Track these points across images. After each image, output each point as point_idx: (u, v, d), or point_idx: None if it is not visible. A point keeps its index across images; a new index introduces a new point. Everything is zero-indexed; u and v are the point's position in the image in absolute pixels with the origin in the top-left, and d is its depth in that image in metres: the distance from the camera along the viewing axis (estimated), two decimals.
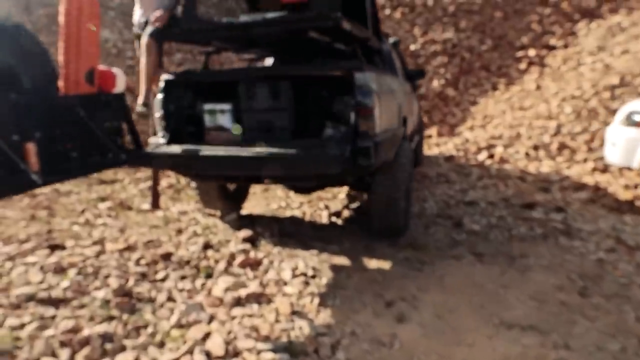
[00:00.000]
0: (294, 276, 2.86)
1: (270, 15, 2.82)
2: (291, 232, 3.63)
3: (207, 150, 2.79)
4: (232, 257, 3.12)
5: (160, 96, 3.15)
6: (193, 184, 3.81)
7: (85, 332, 2.11)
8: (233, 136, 3.06)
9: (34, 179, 2.19)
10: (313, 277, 2.88)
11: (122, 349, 2.07)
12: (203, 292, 2.65)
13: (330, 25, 2.57)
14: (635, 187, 5.47)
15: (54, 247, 3.07)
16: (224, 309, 2.44)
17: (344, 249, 3.35)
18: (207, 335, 2.18)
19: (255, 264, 3.03)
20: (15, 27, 2.38)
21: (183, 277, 2.82)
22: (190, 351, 2.05)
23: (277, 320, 2.35)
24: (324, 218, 4.07)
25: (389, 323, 2.40)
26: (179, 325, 2.27)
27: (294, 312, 2.42)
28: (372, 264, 3.13)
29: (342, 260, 3.15)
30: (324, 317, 2.43)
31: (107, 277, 2.68)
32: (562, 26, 8.95)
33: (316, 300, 2.56)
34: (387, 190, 3.19)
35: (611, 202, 5.18)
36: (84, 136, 2.48)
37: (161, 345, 2.13)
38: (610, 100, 6.79)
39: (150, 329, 2.22)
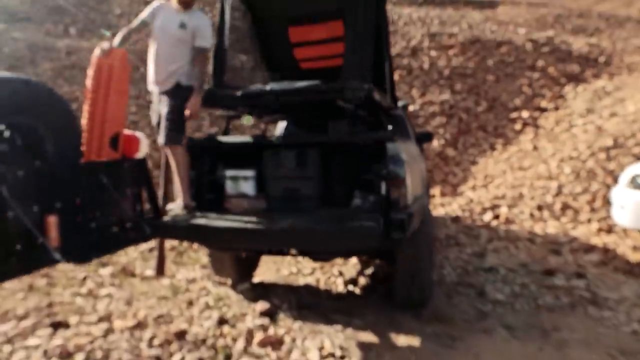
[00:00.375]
0: (322, 357, 2.66)
1: (302, 84, 2.84)
2: (309, 304, 3.45)
3: (234, 223, 2.66)
4: (251, 334, 2.92)
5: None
6: (206, 251, 3.66)
7: None
8: (256, 204, 2.97)
9: (55, 257, 2.03)
10: (342, 357, 2.69)
11: None
12: None
13: (362, 96, 2.58)
14: None
15: (57, 325, 2.84)
16: None
17: (368, 322, 3.17)
18: None
19: (276, 343, 2.83)
20: (39, 85, 2.29)
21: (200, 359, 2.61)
22: None
23: None
24: (340, 286, 3.91)
25: None
26: None
27: None
28: (401, 340, 2.96)
29: (369, 337, 2.97)
30: None
31: None
32: (551, 89, 9.38)
33: None
34: (412, 261, 3.08)
35: (623, 264, 5.15)
36: (106, 206, 2.36)
37: None
38: (606, 161, 6.97)
39: None
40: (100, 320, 2.95)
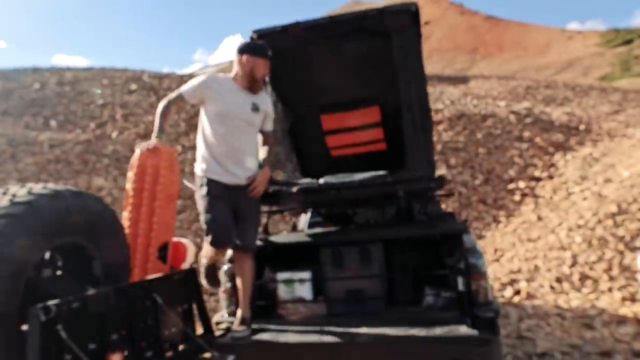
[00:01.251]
0: None
1: (365, 176, 2.80)
2: None
3: (307, 336, 2.41)
4: None
5: (227, 266, 2.87)
6: None
7: None
8: (315, 309, 2.77)
9: None
10: None
11: None
12: None
13: (434, 186, 2.57)
14: None
15: None
16: None
17: None
18: None
19: None
20: (90, 197, 2.10)
21: None
22: None
23: None
24: None
25: None
26: None
27: None
28: None
29: None
30: None
31: None
32: (541, 159, 9.79)
33: None
34: None
35: None
36: (160, 328, 2.11)
37: None
38: (614, 228, 7.10)
39: None
40: None
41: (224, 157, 2.61)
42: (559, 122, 11.23)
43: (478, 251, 2.58)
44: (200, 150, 2.67)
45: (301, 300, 2.83)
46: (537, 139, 10.31)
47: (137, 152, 2.42)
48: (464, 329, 2.30)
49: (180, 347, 2.27)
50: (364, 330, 2.39)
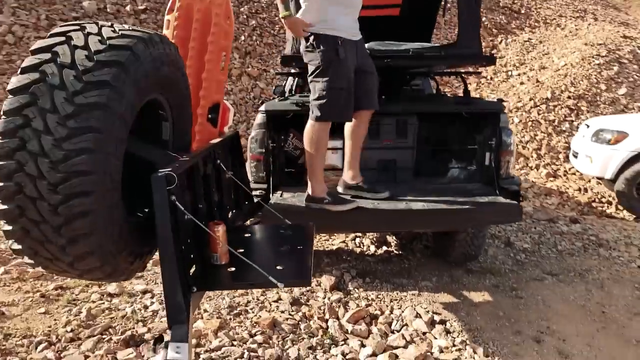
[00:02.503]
0: (430, 323, 2.80)
1: (412, 45, 2.72)
2: (368, 271, 3.52)
3: (351, 204, 2.54)
4: (334, 311, 2.91)
5: (260, 132, 2.78)
6: None
7: None
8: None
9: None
10: (443, 322, 2.85)
11: None
12: None
13: (485, 64, 2.63)
14: (586, 190, 6.55)
15: None
16: None
17: (435, 283, 3.37)
18: None
19: (369, 317, 2.88)
20: (171, 44, 1.76)
21: (311, 348, 2.55)
22: None
23: None
24: (370, 248, 4.02)
25: None
26: None
27: None
28: (475, 296, 3.22)
29: (447, 298, 3.17)
30: None
31: None
32: (485, 39, 10.16)
33: (480, 351, 2.57)
34: None
35: (575, 205, 6.13)
36: (222, 194, 2.06)
37: None
38: (547, 112, 7.96)
39: None
40: None
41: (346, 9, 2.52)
42: (503, 3, 11.49)
43: (510, 130, 2.83)
44: None
45: (333, 169, 2.90)
46: (483, 19, 10.55)
47: None
48: (501, 199, 2.62)
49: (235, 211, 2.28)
50: (406, 198, 2.60)
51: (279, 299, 3.03)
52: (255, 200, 2.49)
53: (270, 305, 2.92)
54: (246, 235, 1.90)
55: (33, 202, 1.18)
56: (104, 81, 1.23)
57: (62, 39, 1.30)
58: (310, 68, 2.48)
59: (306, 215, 2.48)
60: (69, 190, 1.17)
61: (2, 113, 1.19)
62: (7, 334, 2.49)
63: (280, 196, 2.58)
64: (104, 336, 2.52)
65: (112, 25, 1.45)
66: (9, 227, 1.22)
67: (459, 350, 2.57)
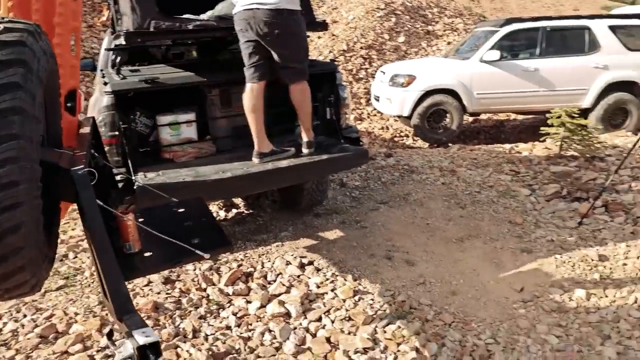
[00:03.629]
0: (301, 268, 3.05)
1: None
2: (228, 235, 3.55)
3: (227, 172, 2.54)
4: (207, 279, 2.94)
5: (109, 115, 2.54)
6: None
7: None
8: (205, 149, 2.81)
9: None
10: (311, 263, 3.14)
11: None
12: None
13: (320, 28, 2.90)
14: (387, 128, 7.69)
15: None
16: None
17: (292, 231, 3.64)
18: None
19: (245, 275, 2.99)
20: None
21: (202, 318, 2.56)
22: None
23: (356, 304, 2.65)
24: (221, 213, 4.07)
25: (410, 269, 3.09)
26: None
27: (355, 291, 2.75)
28: (329, 235, 3.60)
29: (306, 242, 3.47)
30: (374, 286, 2.87)
31: None
32: None
33: (350, 277, 2.93)
34: None
35: (382, 142, 7.17)
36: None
37: None
38: (345, 63, 8.86)
39: None
40: None
41: None
42: None
43: (344, 85, 3.17)
44: None
45: (189, 142, 2.83)
46: None
47: None
48: (352, 147, 2.98)
49: None
50: (267, 160, 2.74)
51: (150, 282, 2.90)
52: (120, 184, 2.31)
53: (143, 290, 2.77)
54: (141, 220, 1.80)
55: None
56: (14, 83, 1.13)
57: None
58: None
59: (181, 191, 2.41)
60: None
61: None
62: None
63: (145, 177, 2.43)
64: None
65: None
66: None
67: (332, 282, 2.90)
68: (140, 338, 1.09)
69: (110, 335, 1.42)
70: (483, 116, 7.94)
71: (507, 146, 5.99)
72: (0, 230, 1.09)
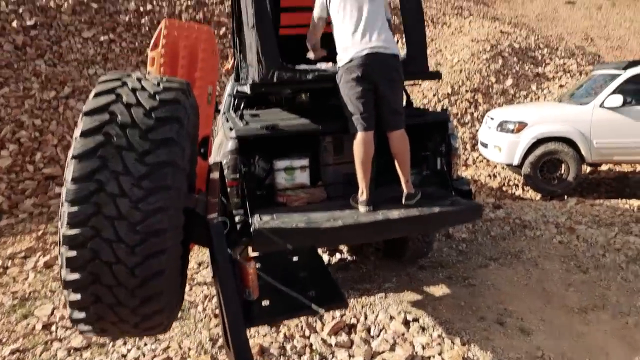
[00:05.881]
0: (405, 323, 2.99)
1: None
2: None
3: (338, 220, 2.60)
4: (311, 326, 2.98)
5: (232, 158, 2.74)
6: None
7: None
8: (317, 195, 2.95)
9: None
10: (416, 320, 3.06)
11: None
12: None
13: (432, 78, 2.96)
14: (495, 176, 7.37)
15: None
16: None
17: (396, 284, 3.60)
18: None
19: (348, 327, 3.00)
20: None
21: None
22: None
23: None
24: (324, 257, 4.15)
25: (526, 338, 2.88)
26: None
27: (464, 358, 2.63)
28: (435, 290, 3.50)
29: (411, 296, 3.40)
30: (485, 354, 2.72)
31: None
32: None
33: (458, 341, 2.81)
34: None
35: (489, 190, 6.87)
36: None
37: None
38: (449, 106, 8.76)
39: None
40: None
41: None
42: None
43: (456, 135, 3.15)
44: None
45: (302, 187, 2.98)
46: None
47: (163, 25, 2.02)
48: (464, 201, 2.92)
49: None
50: (383, 209, 2.76)
51: None
52: (238, 226, 2.48)
53: (250, 330, 2.90)
54: (258, 266, 1.93)
55: (109, 267, 1.15)
56: (169, 138, 1.27)
57: (113, 97, 1.31)
58: None
59: (295, 237, 2.51)
60: (147, 250, 1.15)
61: (72, 179, 1.18)
62: None
63: (261, 219, 2.59)
64: None
65: (147, 78, 1.46)
66: (77, 296, 1.17)
67: (439, 344, 2.79)
68: None
69: None
70: (603, 167, 7.34)
71: (635, 202, 5.45)
72: (148, 274, 1.20)
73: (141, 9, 9.49)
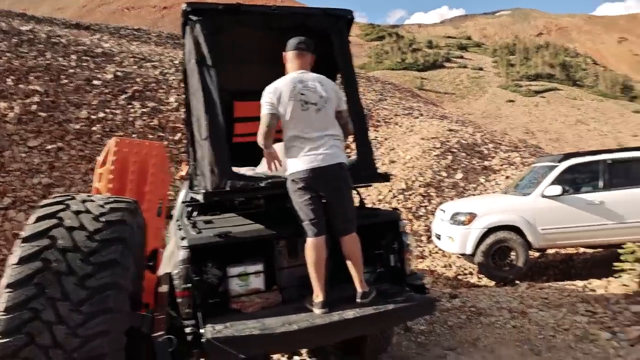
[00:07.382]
0: None
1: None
2: None
3: (293, 324, 2.69)
4: None
5: (184, 268, 2.77)
6: None
7: None
8: (271, 299, 3.05)
9: None
10: None
11: None
12: None
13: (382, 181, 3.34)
14: (450, 266, 7.69)
15: None
16: None
17: None
18: None
19: None
20: None
21: None
22: None
23: None
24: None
25: None
26: None
27: None
28: None
29: None
30: None
31: None
32: None
33: None
34: None
35: (445, 280, 7.14)
36: None
37: None
38: (405, 201, 9.28)
39: None
40: None
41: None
42: None
43: (407, 232, 3.43)
44: None
45: (256, 292, 3.06)
46: None
47: (113, 143, 2.26)
48: (418, 296, 3.13)
49: None
50: (339, 309, 2.87)
51: None
52: (189, 337, 2.50)
53: None
54: None
55: None
56: (112, 260, 1.32)
57: (54, 221, 1.36)
58: None
59: (249, 345, 2.56)
60: None
61: (3, 309, 1.17)
62: None
63: (214, 329, 2.59)
64: None
65: (92, 199, 1.54)
66: None
67: None
68: None
69: None
70: (550, 251, 7.80)
71: (580, 283, 5.80)
72: None
73: (92, 117, 9.68)
